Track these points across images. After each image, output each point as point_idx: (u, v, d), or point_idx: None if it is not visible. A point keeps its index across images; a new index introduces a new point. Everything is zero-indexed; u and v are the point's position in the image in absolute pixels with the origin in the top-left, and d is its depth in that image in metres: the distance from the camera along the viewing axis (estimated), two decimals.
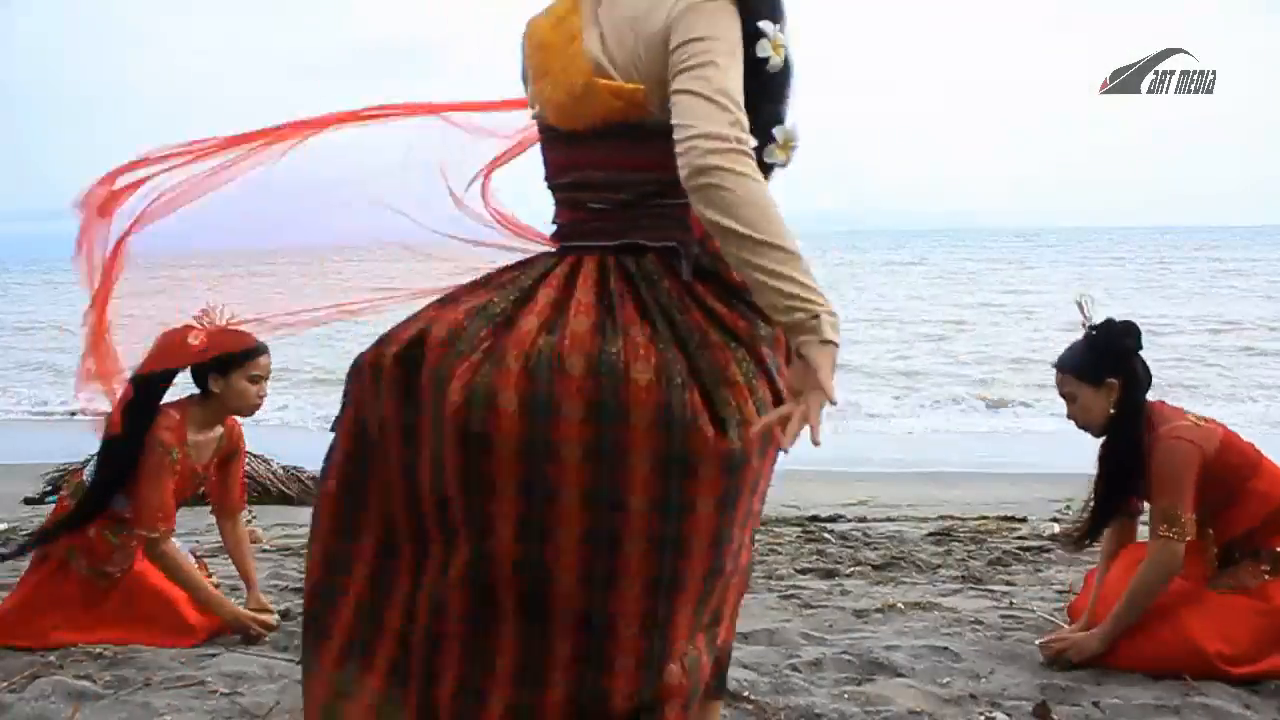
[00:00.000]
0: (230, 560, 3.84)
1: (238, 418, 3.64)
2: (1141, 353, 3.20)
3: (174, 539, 3.49)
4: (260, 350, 3.48)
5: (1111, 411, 3.16)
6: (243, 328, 3.28)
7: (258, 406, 3.53)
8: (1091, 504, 3.31)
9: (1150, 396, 3.21)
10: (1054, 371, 3.25)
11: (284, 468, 8.37)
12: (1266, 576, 3.06)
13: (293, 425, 12.81)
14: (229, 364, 3.42)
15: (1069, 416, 3.25)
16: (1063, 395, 3.23)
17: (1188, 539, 3.00)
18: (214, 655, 3.23)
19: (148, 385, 3.39)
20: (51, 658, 3.21)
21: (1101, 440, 3.24)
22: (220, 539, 4.07)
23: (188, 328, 3.36)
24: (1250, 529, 3.11)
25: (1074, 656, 3.10)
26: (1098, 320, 3.18)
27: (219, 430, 3.59)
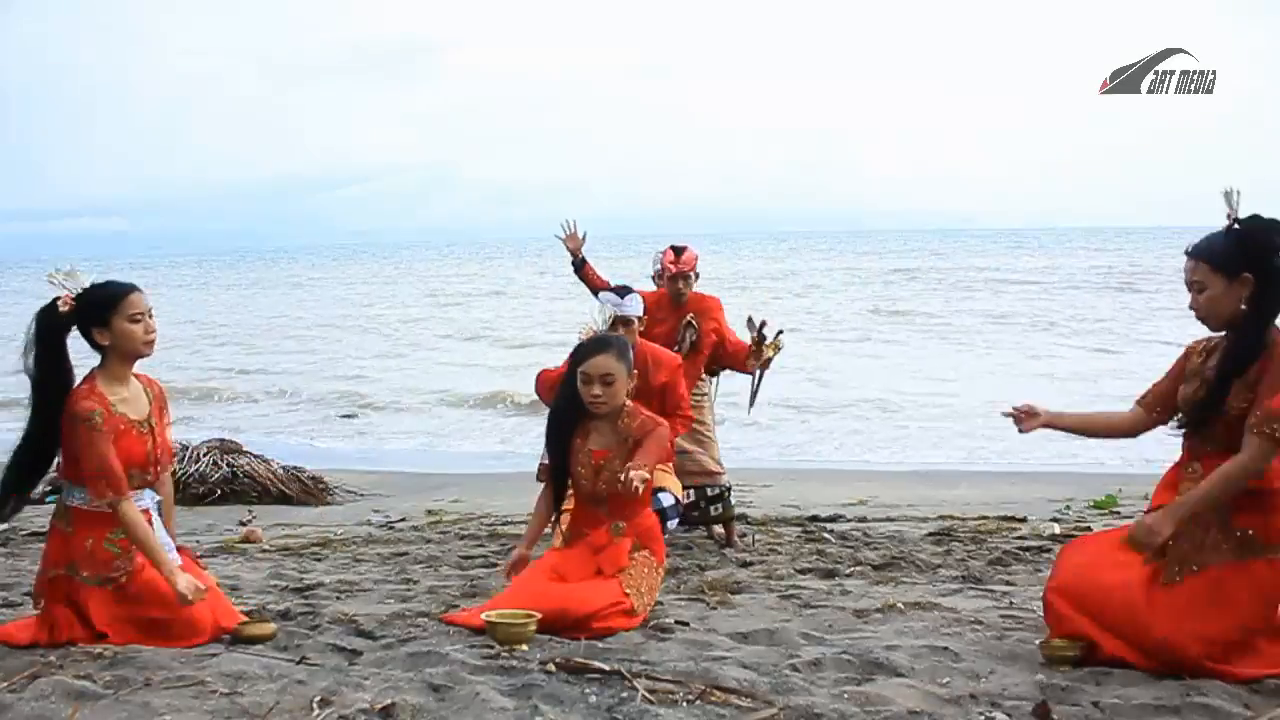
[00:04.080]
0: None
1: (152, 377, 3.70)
2: None
3: (132, 502, 3.46)
4: (129, 289, 3.55)
5: (1243, 308, 3.06)
6: None
7: (150, 343, 3.57)
8: (1202, 396, 3.15)
9: None
10: (1184, 259, 3.14)
11: (284, 468, 8.38)
12: (1230, 557, 3.05)
13: (295, 428, 12.83)
14: (105, 312, 3.50)
15: (1192, 308, 3.16)
16: (1190, 284, 3.13)
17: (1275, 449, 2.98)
18: (214, 655, 3.23)
19: (43, 367, 3.48)
20: (51, 657, 3.22)
21: (1225, 334, 3.14)
22: (219, 539, 4.05)
23: (55, 300, 3.51)
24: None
25: (1143, 538, 3.07)
26: (1244, 215, 3.07)
27: (138, 385, 3.63)
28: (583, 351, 3.93)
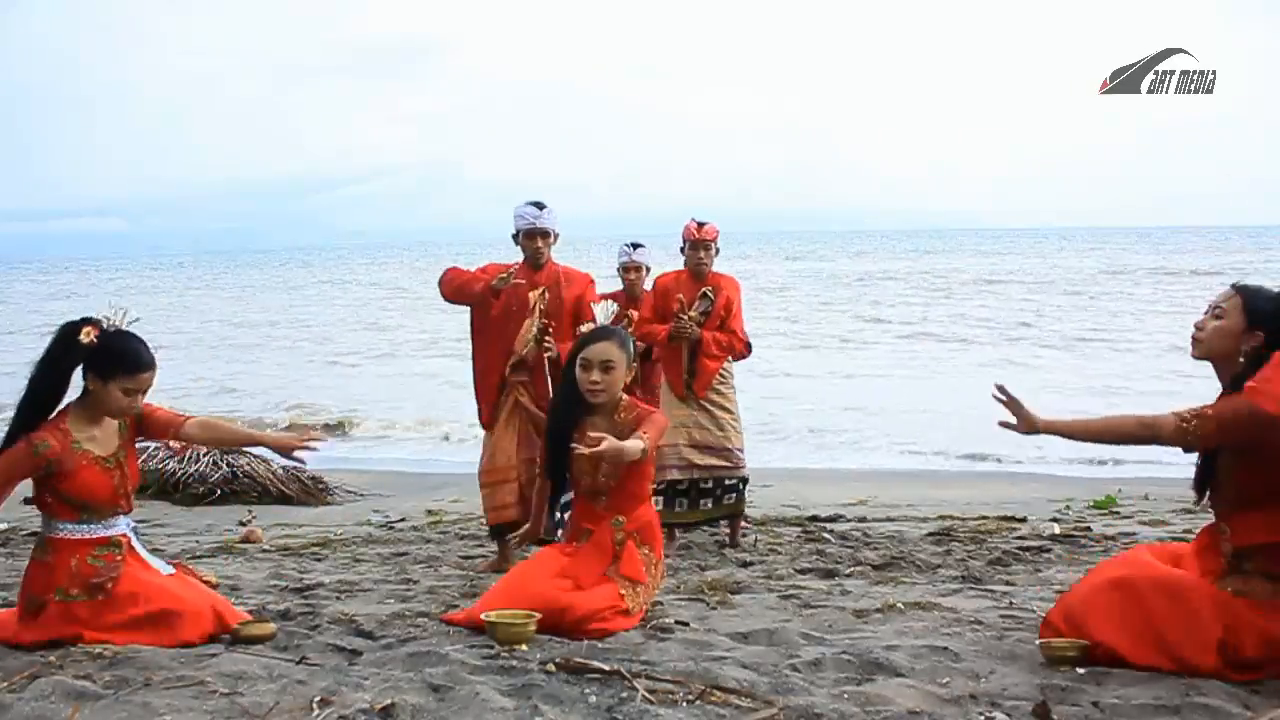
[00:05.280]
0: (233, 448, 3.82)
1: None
2: None
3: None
4: (144, 366, 3.51)
5: (1240, 360, 3.10)
6: None
7: (127, 414, 3.58)
8: (1201, 459, 3.18)
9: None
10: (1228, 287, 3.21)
11: (284, 468, 8.38)
12: (1271, 590, 3.03)
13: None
14: (110, 370, 3.47)
15: (1196, 326, 3.21)
16: (1213, 307, 3.18)
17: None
18: (214, 655, 3.23)
19: (42, 379, 3.48)
20: (51, 658, 3.22)
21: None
22: (219, 539, 4.04)
23: (85, 321, 3.47)
24: (1269, 544, 3.06)
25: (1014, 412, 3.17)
26: None
27: (111, 423, 3.61)
28: (584, 339, 3.94)
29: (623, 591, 3.74)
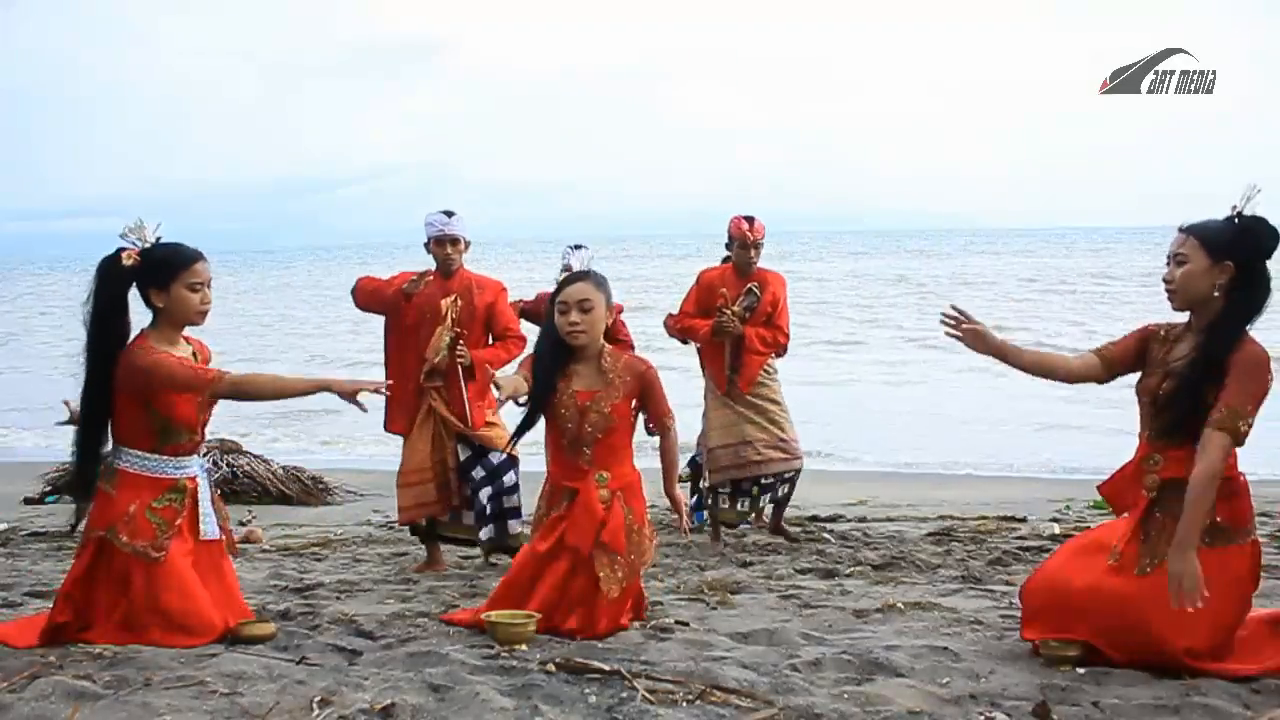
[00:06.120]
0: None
1: (195, 333, 3.68)
2: (1270, 263, 3.14)
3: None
4: (194, 257, 3.52)
5: (1215, 295, 3.13)
6: None
7: (204, 313, 3.57)
8: (1179, 397, 3.16)
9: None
10: (1176, 232, 3.19)
11: (284, 468, 8.38)
12: (1204, 543, 3.05)
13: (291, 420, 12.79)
14: (167, 275, 3.48)
15: (1165, 280, 3.21)
16: (1173, 256, 3.19)
17: (1236, 444, 3.04)
18: (214, 655, 3.23)
19: (101, 320, 3.47)
20: (51, 657, 3.22)
21: (1202, 329, 3.18)
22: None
23: (119, 250, 3.47)
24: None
25: (1189, 587, 2.99)
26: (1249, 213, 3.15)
27: (187, 348, 3.62)
28: (559, 285, 3.88)
29: (601, 574, 3.64)
